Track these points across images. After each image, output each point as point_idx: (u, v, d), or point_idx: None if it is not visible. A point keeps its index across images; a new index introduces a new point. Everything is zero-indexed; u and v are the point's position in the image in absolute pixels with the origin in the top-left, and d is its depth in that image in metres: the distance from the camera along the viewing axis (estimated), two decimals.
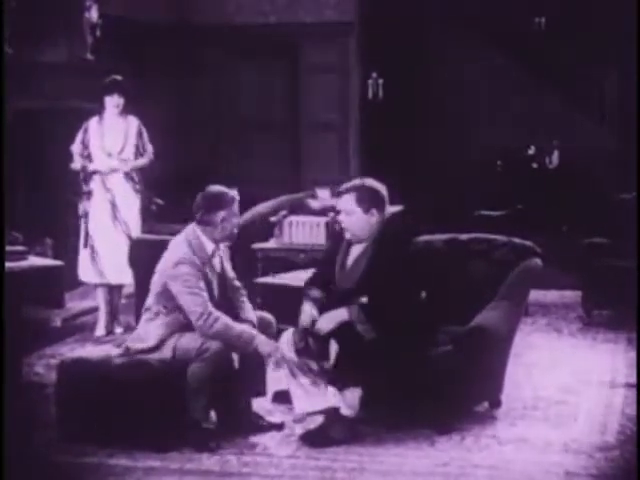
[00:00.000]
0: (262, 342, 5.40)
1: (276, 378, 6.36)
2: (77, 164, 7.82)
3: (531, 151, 11.06)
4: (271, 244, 7.68)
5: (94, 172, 7.77)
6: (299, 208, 7.94)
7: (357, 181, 5.48)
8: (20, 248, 6.30)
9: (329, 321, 5.32)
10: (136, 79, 10.43)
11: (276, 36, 11.21)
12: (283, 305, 6.23)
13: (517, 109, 11.01)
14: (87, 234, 7.79)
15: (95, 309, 8.10)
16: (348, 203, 5.40)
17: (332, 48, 11.20)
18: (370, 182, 5.46)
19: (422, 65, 11.14)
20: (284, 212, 7.76)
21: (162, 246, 7.72)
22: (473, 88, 11.03)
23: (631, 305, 7.38)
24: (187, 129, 10.95)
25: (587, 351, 7.26)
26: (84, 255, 7.82)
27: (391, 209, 7.20)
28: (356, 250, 5.49)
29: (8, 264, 5.87)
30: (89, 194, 7.79)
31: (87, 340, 7.55)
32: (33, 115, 8.30)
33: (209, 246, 5.53)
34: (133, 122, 7.89)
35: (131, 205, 7.82)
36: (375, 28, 11.01)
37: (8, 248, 6.10)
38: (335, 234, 5.90)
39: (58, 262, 6.52)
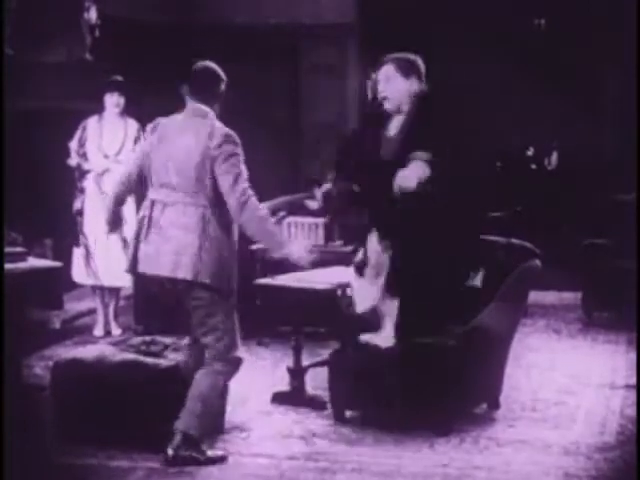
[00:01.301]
0: (294, 251, 5.19)
1: (275, 378, 6.38)
2: (73, 161, 7.84)
3: (530, 152, 11.05)
4: None
5: (88, 171, 7.78)
6: (298, 209, 7.93)
7: (395, 54, 5.52)
8: (19, 249, 6.29)
9: (407, 180, 5.20)
10: (135, 79, 10.43)
11: (276, 37, 11.20)
12: (282, 306, 6.23)
13: (517, 109, 11.01)
14: (82, 234, 7.79)
15: (94, 311, 8.10)
16: (388, 71, 5.45)
17: (332, 49, 11.19)
18: (407, 54, 5.54)
19: None
20: (282, 213, 7.74)
21: None
22: (472, 89, 11.01)
23: (631, 306, 7.38)
24: None
25: (587, 352, 7.27)
26: (78, 256, 7.83)
27: None
28: (396, 122, 5.49)
29: (7, 265, 5.87)
30: (82, 191, 7.80)
31: (86, 341, 7.54)
32: (33, 115, 8.29)
33: None
34: (133, 125, 7.87)
35: (127, 208, 7.76)
36: (375, 29, 11.00)
37: (7, 249, 6.09)
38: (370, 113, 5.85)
39: (57, 263, 6.51)
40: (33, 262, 6.27)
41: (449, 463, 5.14)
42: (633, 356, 6.94)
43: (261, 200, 8.23)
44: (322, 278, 6.20)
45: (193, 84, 5.21)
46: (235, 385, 6.05)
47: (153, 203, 5.14)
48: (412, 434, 5.53)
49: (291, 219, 7.67)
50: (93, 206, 7.78)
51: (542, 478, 4.97)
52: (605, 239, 8.23)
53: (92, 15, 8.73)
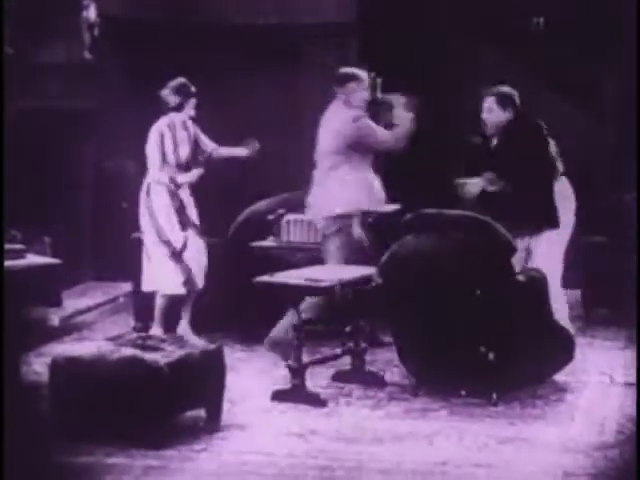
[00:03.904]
0: None
1: (275, 376, 6.39)
2: (162, 175, 7.20)
3: None
4: (269, 242, 7.68)
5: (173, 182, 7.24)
6: (297, 206, 7.93)
7: (497, 87, 6.93)
8: (19, 246, 6.30)
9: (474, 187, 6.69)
10: (134, 79, 10.42)
11: (276, 36, 11.19)
12: (281, 304, 6.24)
13: None
14: (166, 243, 7.20)
15: (93, 307, 8.12)
16: (490, 103, 6.89)
17: (332, 48, 11.19)
18: (506, 88, 6.88)
19: (421, 65, 11.13)
20: (282, 210, 7.75)
21: None
22: (472, 88, 11.01)
23: (630, 304, 7.37)
24: None
25: (586, 350, 7.24)
26: (169, 266, 7.19)
27: (389, 207, 7.26)
28: (494, 142, 6.86)
29: (7, 262, 5.87)
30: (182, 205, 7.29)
31: (85, 339, 7.56)
32: (33, 115, 8.29)
33: None
34: (191, 125, 7.49)
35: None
36: (375, 28, 10.99)
37: (7, 246, 6.10)
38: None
39: (56, 261, 6.52)
40: (32, 259, 6.28)
41: (448, 461, 5.13)
42: (632, 354, 6.93)
43: (261, 198, 8.30)
44: (322, 275, 6.20)
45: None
46: (235, 382, 6.07)
47: None
48: (412, 432, 5.54)
49: (290, 216, 7.66)
50: (169, 214, 7.24)
51: (541, 476, 4.97)
52: (605, 238, 8.23)
53: (91, 14, 8.72)
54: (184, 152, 7.33)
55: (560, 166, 7.02)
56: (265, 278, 6.23)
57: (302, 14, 11.16)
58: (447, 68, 11.06)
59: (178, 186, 7.26)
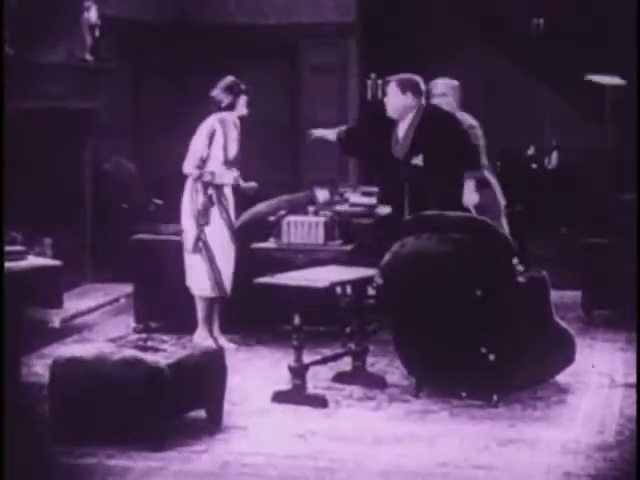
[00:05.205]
0: None
1: (275, 377, 6.39)
2: (201, 170, 7.25)
3: (530, 152, 11.06)
4: (270, 244, 7.68)
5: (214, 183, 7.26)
6: (298, 208, 7.94)
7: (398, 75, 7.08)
8: (19, 248, 6.29)
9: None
10: (135, 79, 10.44)
11: (276, 37, 11.21)
12: (282, 306, 6.24)
13: (517, 109, 11.01)
14: (206, 245, 7.22)
15: (94, 309, 8.12)
16: (391, 88, 7.04)
17: (332, 49, 11.20)
18: (408, 75, 7.08)
19: (421, 66, 11.14)
20: (283, 212, 7.75)
21: (163, 246, 7.73)
22: (473, 88, 11.02)
23: (631, 305, 7.38)
24: (186, 129, 10.93)
25: (586, 351, 7.24)
26: (200, 267, 7.22)
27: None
28: (403, 125, 6.99)
29: (7, 264, 5.86)
30: (212, 202, 7.28)
31: (86, 340, 7.56)
32: (33, 115, 8.29)
33: None
34: (239, 124, 7.47)
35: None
36: (375, 29, 11.01)
37: (7, 248, 6.09)
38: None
39: (57, 262, 6.51)
40: (33, 261, 6.27)
41: (449, 462, 5.14)
42: (633, 355, 6.94)
43: (261, 199, 8.31)
44: (323, 276, 6.20)
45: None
46: (235, 383, 6.08)
47: None
48: (412, 432, 5.54)
49: (291, 218, 7.66)
50: (214, 216, 7.26)
51: (542, 477, 4.98)
52: (604, 239, 8.23)
53: (92, 15, 8.73)
54: (232, 150, 7.37)
55: (483, 159, 7.45)
56: (266, 279, 6.23)
57: (302, 14, 11.18)
58: (447, 69, 11.07)
59: (238, 184, 7.37)
